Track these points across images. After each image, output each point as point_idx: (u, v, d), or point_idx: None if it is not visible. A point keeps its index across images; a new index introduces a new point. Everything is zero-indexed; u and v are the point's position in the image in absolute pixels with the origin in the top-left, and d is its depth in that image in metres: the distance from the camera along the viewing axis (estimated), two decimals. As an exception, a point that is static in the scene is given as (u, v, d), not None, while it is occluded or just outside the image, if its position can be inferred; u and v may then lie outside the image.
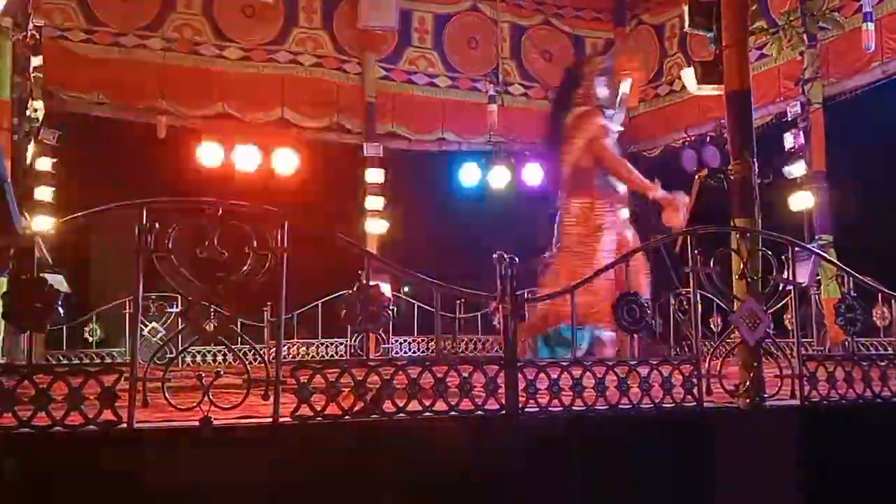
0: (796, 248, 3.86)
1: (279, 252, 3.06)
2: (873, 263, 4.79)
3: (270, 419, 2.98)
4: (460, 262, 11.18)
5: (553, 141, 7.49)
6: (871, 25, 6.55)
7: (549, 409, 3.24)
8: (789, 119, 7.70)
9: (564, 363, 3.35)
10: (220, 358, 8.12)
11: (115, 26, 8.62)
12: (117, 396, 2.80)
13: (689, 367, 3.50)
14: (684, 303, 8.43)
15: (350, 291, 3.19)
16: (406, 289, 8.91)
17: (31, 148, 7.02)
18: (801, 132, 7.65)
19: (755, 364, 3.55)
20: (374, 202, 9.51)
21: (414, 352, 9.51)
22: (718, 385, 3.61)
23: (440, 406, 3.14)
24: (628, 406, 3.36)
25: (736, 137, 3.82)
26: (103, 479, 2.70)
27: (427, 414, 3.09)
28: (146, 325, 8.44)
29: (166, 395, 2.91)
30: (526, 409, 3.21)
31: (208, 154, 8.96)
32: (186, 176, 9.12)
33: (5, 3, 5.08)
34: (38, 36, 7.05)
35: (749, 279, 3.53)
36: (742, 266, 3.57)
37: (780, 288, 3.69)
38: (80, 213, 3.00)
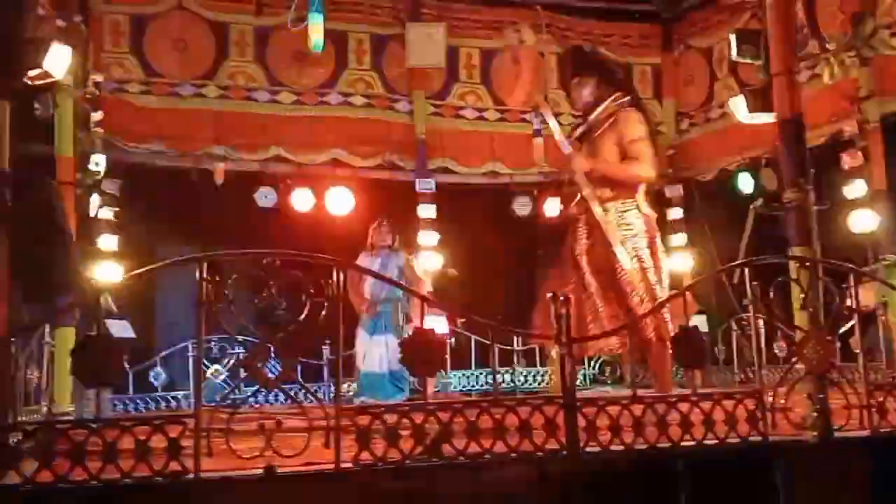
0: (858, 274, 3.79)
1: (336, 299, 3.11)
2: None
3: (332, 465, 3.01)
4: (517, 290, 11.22)
5: None
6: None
7: (611, 448, 3.21)
8: (846, 139, 7.54)
9: (624, 401, 3.31)
10: (281, 397, 8.18)
11: (172, 77, 8.83)
12: (182, 448, 2.87)
13: (753, 401, 3.44)
14: (747, 328, 8.28)
15: (406, 336, 3.22)
16: (462, 320, 8.88)
17: (94, 200, 7.24)
18: (858, 151, 7.48)
19: (821, 396, 3.48)
20: (427, 237, 9.52)
21: (472, 386, 9.51)
22: (784, 418, 3.54)
23: (500, 448, 3.14)
24: (692, 443, 3.31)
25: (790, 165, 3.77)
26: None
27: (486, 457, 3.09)
28: (209, 367, 8.62)
29: (230, 444, 2.97)
30: (587, 450, 3.19)
31: (264, 197, 9.15)
32: (244, 219, 9.30)
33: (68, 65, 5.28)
34: (97, 91, 7.30)
35: (810, 309, 3.47)
36: (803, 296, 3.50)
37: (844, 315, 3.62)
38: (143, 269, 3.11)
